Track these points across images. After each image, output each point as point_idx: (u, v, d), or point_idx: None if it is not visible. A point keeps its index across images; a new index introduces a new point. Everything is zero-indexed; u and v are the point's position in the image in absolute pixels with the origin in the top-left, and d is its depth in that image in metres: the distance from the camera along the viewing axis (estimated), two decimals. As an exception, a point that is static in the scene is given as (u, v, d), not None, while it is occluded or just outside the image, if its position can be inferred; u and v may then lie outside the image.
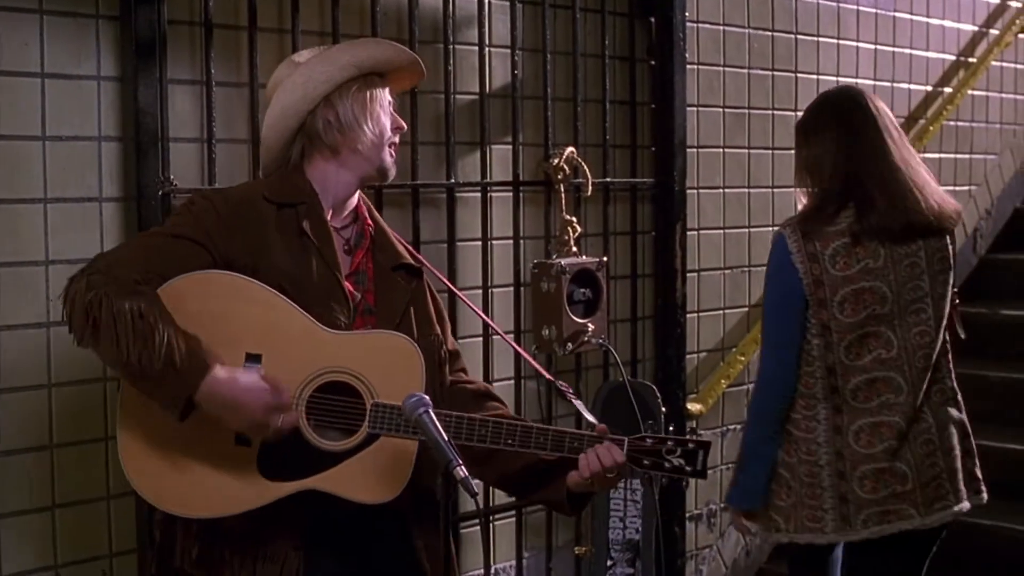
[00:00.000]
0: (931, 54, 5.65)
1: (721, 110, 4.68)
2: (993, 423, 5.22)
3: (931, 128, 5.48)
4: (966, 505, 3.28)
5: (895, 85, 5.44)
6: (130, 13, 3.10)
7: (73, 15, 3.08)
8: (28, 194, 3.03)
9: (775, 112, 4.88)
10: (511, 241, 3.98)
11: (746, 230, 4.80)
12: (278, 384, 2.48)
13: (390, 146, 2.77)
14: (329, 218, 2.72)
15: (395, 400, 2.47)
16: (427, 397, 2.33)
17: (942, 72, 5.72)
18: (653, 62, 4.36)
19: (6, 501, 3.01)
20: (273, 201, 2.66)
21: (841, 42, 5.16)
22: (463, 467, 2.24)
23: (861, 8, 5.24)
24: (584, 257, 4.00)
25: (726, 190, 4.72)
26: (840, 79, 5.13)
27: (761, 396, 3.34)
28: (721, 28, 4.65)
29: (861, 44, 5.25)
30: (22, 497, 3.04)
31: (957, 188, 5.86)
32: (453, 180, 3.80)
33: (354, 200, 2.80)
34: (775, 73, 4.88)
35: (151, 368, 2.39)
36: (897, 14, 5.44)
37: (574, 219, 3.99)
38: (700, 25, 4.55)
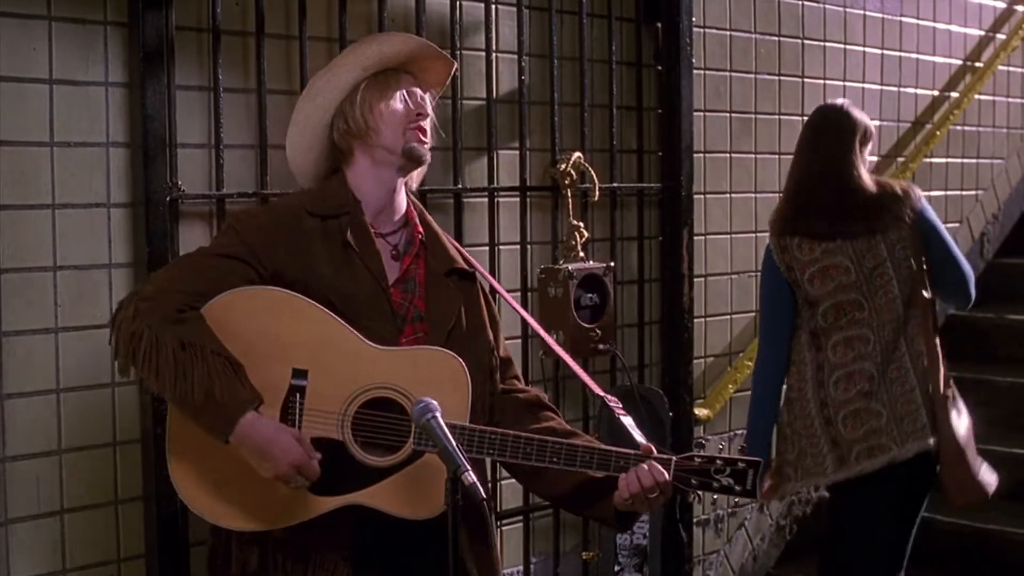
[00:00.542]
0: (938, 59, 5.65)
1: (728, 115, 4.68)
2: (1002, 428, 5.23)
3: (938, 133, 5.48)
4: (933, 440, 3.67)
5: (902, 90, 5.43)
6: (138, 19, 3.10)
7: (81, 21, 3.09)
8: (36, 200, 3.04)
9: (782, 117, 4.88)
10: (518, 246, 3.98)
11: (753, 235, 4.80)
12: (309, 448, 2.50)
13: (413, 129, 2.72)
14: (375, 224, 2.72)
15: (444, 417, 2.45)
16: (434, 402, 2.32)
17: (949, 77, 5.72)
18: (660, 67, 4.36)
19: (15, 506, 3.02)
20: (316, 214, 2.68)
21: (848, 47, 5.16)
22: (471, 472, 2.24)
23: (868, 13, 5.25)
24: (591, 262, 4.01)
25: (733, 195, 4.72)
26: (847, 84, 5.13)
27: (756, 380, 3.96)
28: (728, 33, 4.66)
29: (868, 49, 5.25)
30: (31, 502, 3.04)
31: (964, 192, 5.86)
32: (460, 185, 3.81)
33: (402, 204, 2.78)
34: (782, 78, 4.88)
35: (191, 401, 2.46)
36: (903, 19, 5.44)
37: (581, 224, 3.99)
38: (707, 30, 4.56)
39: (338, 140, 2.74)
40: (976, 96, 5.73)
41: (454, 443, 2.27)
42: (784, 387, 3.86)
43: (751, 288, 4.79)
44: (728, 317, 4.73)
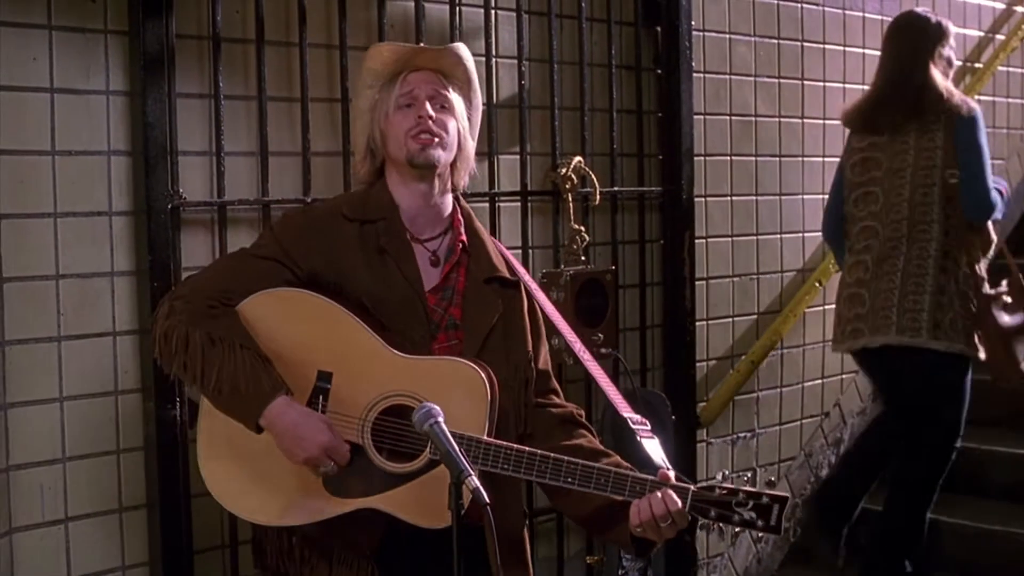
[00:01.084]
0: (937, 60, 5.64)
1: (728, 118, 4.68)
2: (1004, 428, 5.22)
3: (938, 134, 5.47)
4: (902, 339, 4.16)
5: (902, 91, 5.43)
6: (138, 28, 3.11)
7: (82, 30, 3.10)
8: (38, 208, 3.04)
9: (782, 120, 4.89)
10: (519, 250, 3.98)
11: (754, 237, 4.80)
12: (338, 432, 2.55)
13: (413, 136, 2.68)
14: (414, 230, 2.73)
15: (458, 429, 2.46)
16: (436, 407, 2.31)
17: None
18: (660, 71, 4.37)
19: (19, 515, 3.02)
20: (354, 219, 2.70)
21: (847, 49, 5.17)
22: (475, 477, 2.23)
23: (867, 15, 5.25)
24: (593, 266, 4.01)
25: (733, 198, 4.72)
26: (847, 86, 5.13)
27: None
28: (727, 36, 4.66)
29: (867, 51, 5.25)
30: (35, 510, 3.05)
31: (965, 193, 5.85)
32: (461, 191, 3.80)
33: (442, 211, 2.77)
34: (781, 81, 4.88)
35: (219, 394, 2.53)
36: (903, 20, 5.43)
37: (582, 228, 3.99)
38: (706, 34, 4.56)
39: (375, 147, 2.78)
40: (976, 96, 5.71)
41: (457, 448, 2.26)
42: None
43: (752, 291, 4.79)
44: (730, 320, 4.73)
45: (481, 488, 2.22)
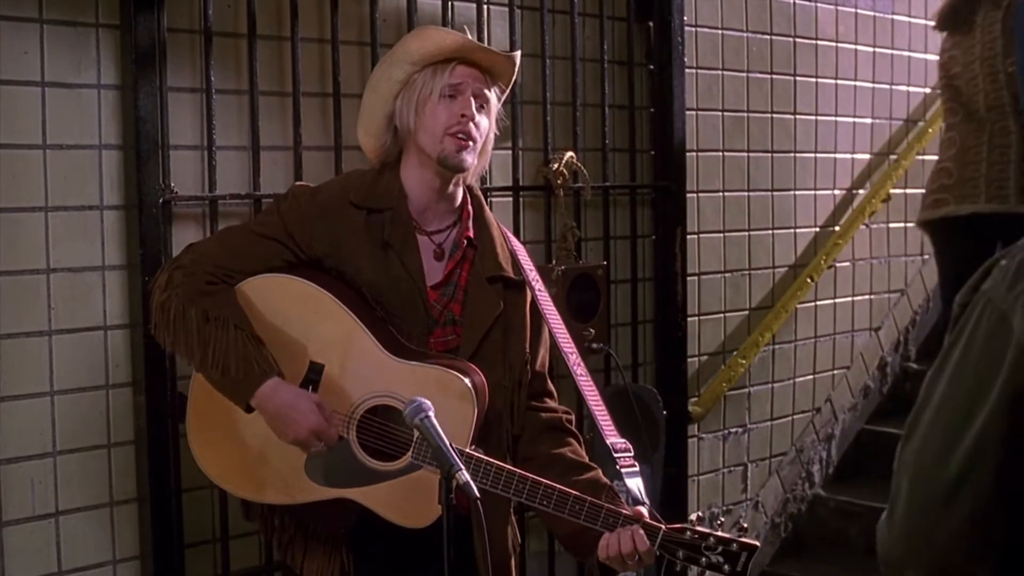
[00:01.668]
0: (930, 56, 5.63)
1: (720, 114, 4.68)
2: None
3: (930, 130, 5.47)
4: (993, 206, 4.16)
5: (894, 87, 5.44)
6: (130, 22, 3.11)
7: (73, 24, 3.09)
8: (29, 203, 3.04)
9: (774, 115, 4.89)
10: (511, 246, 3.98)
11: (746, 233, 4.80)
12: (329, 413, 2.58)
13: (453, 135, 2.66)
14: (421, 221, 2.72)
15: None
16: (427, 402, 2.32)
17: (941, 74, 5.72)
18: (652, 66, 4.37)
19: (10, 509, 3.02)
20: (362, 206, 2.70)
21: (840, 45, 5.17)
22: (465, 471, 2.24)
23: (859, 11, 5.25)
24: (584, 261, 4.01)
25: (725, 193, 4.72)
26: (839, 82, 5.14)
27: None
28: (719, 32, 4.66)
29: (859, 47, 5.26)
30: (25, 504, 3.05)
31: (957, 190, 5.86)
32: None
33: (452, 204, 2.77)
34: (774, 76, 4.88)
35: (210, 372, 2.57)
36: (895, 17, 5.44)
37: (574, 224, 3.99)
38: (698, 29, 4.56)
39: (397, 129, 2.76)
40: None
41: (447, 442, 2.27)
42: None
43: (744, 286, 4.80)
44: (722, 315, 4.74)
45: (471, 482, 2.23)
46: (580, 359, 2.85)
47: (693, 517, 2.57)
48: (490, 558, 2.61)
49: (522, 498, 2.57)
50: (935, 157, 5.60)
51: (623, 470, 2.67)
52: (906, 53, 5.51)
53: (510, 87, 2.88)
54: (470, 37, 2.76)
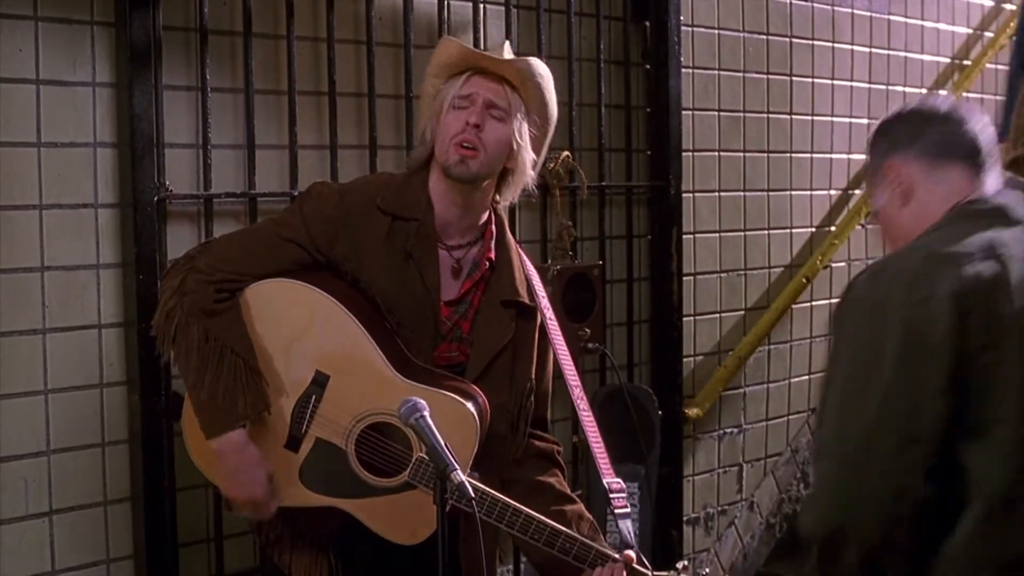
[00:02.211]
0: (926, 57, 5.66)
1: (716, 114, 4.68)
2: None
3: (926, 130, 5.47)
4: None
5: (890, 88, 5.44)
6: (125, 19, 3.10)
7: (68, 22, 3.08)
8: (23, 201, 3.03)
9: (770, 115, 4.89)
10: (507, 245, 3.97)
11: (742, 233, 4.80)
12: (275, 488, 2.61)
13: (457, 144, 2.65)
14: (443, 234, 2.72)
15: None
16: (422, 401, 2.32)
17: (937, 75, 5.73)
18: (648, 66, 4.37)
19: (3, 508, 3.01)
20: (388, 212, 2.69)
21: (836, 45, 5.16)
22: (460, 471, 2.25)
23: (855, 11, 5.25)
24: (580, 261, 4.01)
25: (722, 193, 4.72)
26: (835, 82, 5.14)
27: None
28: (716, 32, 4.66)
29: (856, 47, 5.26)
30: (19, 503, 3.04)
31: (953, 190, 5.86)
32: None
33: (475, 222, 2.76)
34: (770, 76, 4.88)
35: (197, 391, 2.58)
36: (892, 17, 5.44)
37: (570, 223, 3.99)
38: (695, 29, 4.56)
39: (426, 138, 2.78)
40: (964, 94, 5.72)
41: (443, 442, 2.27)
42: None
43: (740, 286, 4.79)
44: (717, 316, 4.73)
45: (467, 483, 2.23)
46: (584, 392, 2.87)
47: (679, 565, 2.61)
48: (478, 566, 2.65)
49: (514, 530, 2.60)
50: (931, 158, 5.63)
51: (616, 511, 2.71)
52: (902, 54, 5.51)
53: (542, 96, 2.78)
54: (497, 52, 2.76)
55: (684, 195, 4.42)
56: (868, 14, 5.31)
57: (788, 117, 4.95)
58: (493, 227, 2.79)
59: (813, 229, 5.10)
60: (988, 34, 5.96)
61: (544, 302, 2.83)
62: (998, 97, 6.06)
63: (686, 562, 2.64)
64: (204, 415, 2.58)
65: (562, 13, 4.11)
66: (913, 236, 2.21)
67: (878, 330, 2.05)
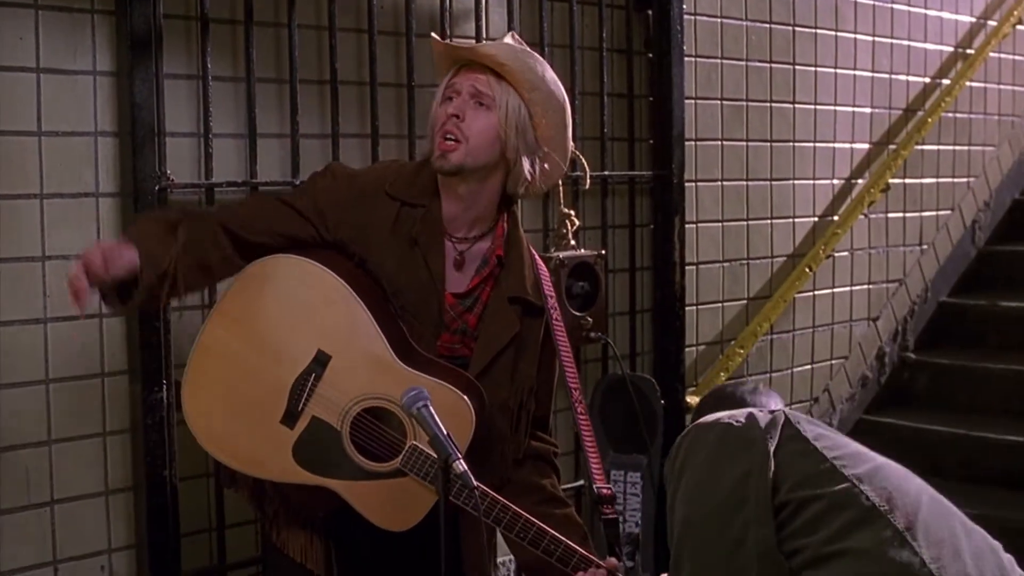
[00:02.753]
0: (929, 45, 5.64)
1: (719, 103, 4.67)
2: (994, 414, 5.23)
3: (929, 120, 5.47)
4: None
5: (893, 77, 5.43)
6: (126, 7, 3.09)
7: (68, 10, 3.07)
8: (24, 189, 3.02)
9: (773, 104, 4.87)
10: (509, 235, 3.96)
11: (744, 223, 4.79)
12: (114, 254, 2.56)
13: (442, 137, 2.67)
14: (449, 226, 2.72)
15: (432, 450, 2.48)
16: (425, 390, 2.32)
17: (940, 64, 5.71)
18: (651, 55, 4.35)
19: (4, 498, 3.01)
20: (397, 198, 2.70)
21: (839, 34, 5.15)
22: (462, 461, 2.25)
23: (858, 0, 5.23)
24: (582, 250, 4.00)
25: (724, 183, 4.71)
26: (838, 71, 5.13)
27: None
28: (719, 20, 4.64)
29: (859, 36, 5.24)
30: (20, 493, 3.03)
31: (955, 180, 5.86)
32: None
33: (482, 217, 2.76)
34: (773, 65, 4.87)
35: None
36: (895, 5, 5.43)
37: (572, 212, 3.97)
38: (698, 18, 4.54)
39: None
40: (967, 83, 5.72)
41: (444, 431, 2.27)
42: None
43: (742, 276, 4.79)
44: (719, 305, 4.73)
45: (468, 472, 2.24)
46: (582, 396, 2.88)
47: None
48: (472, 563, 2.72)
49: (501, 526, 2.61)
50: (934, 147, 5.64)
51: (604, 518, 2.76)
52: (906, 42, 5.50)
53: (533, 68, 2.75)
54: (488, 44, 2.81)
55: (687, 184, 4.41)
56: (871, 2, 5.29)
57: (791, 106, 4.94)
58: (504, 224, 2.79)
59: (816, 218, 5.09)
60: (992, 23, 5.94)
61: (551, 302, 2.83)
62: (1001, 87, 6.07)
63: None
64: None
65: (564, 1, 4.10)
66: None
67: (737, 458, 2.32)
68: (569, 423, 4.02)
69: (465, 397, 2.60)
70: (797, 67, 4.97)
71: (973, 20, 5.89)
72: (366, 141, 3.59)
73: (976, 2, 5.90)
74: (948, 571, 2.18)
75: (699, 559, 2.28)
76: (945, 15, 5.72)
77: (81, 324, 3.10)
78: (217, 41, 3.31)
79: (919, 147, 5.47)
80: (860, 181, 5.26)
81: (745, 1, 4.74)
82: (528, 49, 2.77)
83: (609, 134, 4.22)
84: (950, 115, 5.75)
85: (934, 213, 5.75)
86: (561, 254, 3.86)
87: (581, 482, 4.12)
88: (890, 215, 5.45)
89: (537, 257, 2.90)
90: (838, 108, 5.15)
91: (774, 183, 4.90)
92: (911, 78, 5.54)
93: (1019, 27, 6.07)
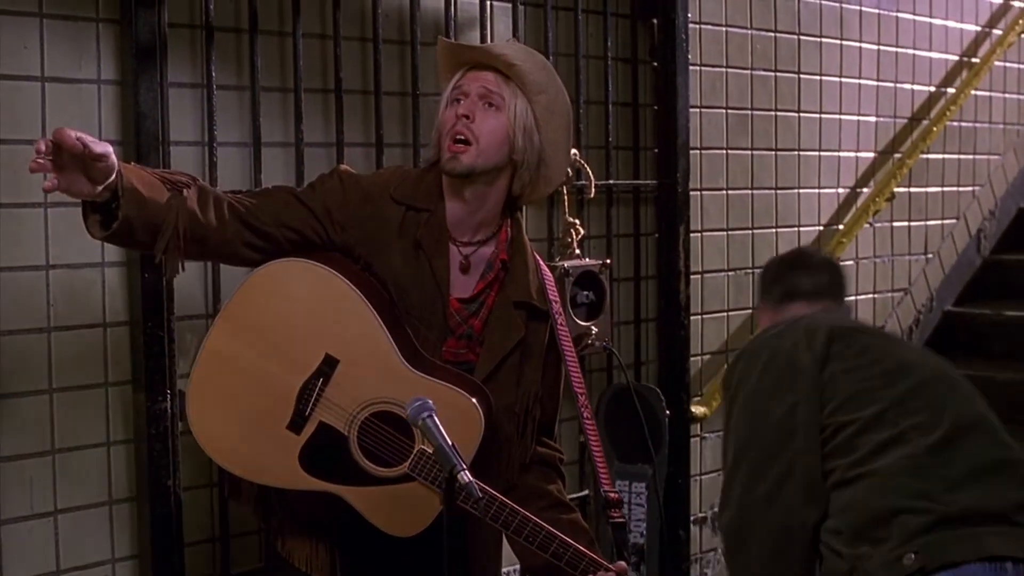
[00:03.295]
0: (934, 54, 5.64)
1: (724, 111, 4.66)
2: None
3: (934, 129, 5.47)
4: None
5: (898, 86, 5.42)
6: (130, 16, 3.08)
7: (73, 18, 3.07)
8: (28, 198, 3.01)
9: (778, 113, 4.87)
10: (514, 244, 3.96)
11: (749, 231, 4.79)
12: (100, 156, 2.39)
13: (452, 139, 2.67)
14: (455, 232, 2.72)
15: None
16: (430, 401, 2.32)
17: (945, 72, 5.71)
18: (656, 63, 4.35)
19: (7, 507, 3.00)
20: (402, 202, 2.69)
21: (844, 43, 5.15)
22: (467, 472, 2.24)
23: (864, 8, 5.23)
24: (587, 259, 3.99)
25: (729, 191, 4.71)
26: (843, 80, 5.12)
27: None
28: (724, 29, 4.64)
29: (864, 44, 5.24)
30: (24, 503, 3.03)
31: (961, 189, 5.85)
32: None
33: (486, 222, 2.76)
34: (778, 74, 4.86)
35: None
36: (900, 14, 5.42)
37: (577, 221, 3.97)
38: (702, 26, 4.54)
39: None
40: (973, 92, 5.71)
41: (450, 442, 2.27)
42: None
43: (748, 285, 4.78)
44: (725, 314, 4.72)
45: (474, 483, 2.23)
46: (588, 401, 2.88)
47: None
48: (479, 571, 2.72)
49: (509, 530, 2.61)
50: (939, 156, 5.63)
51: (612, 522, 2.78)
52: (911, 51, 5.49)
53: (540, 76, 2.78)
54: (496, 45, 2.81)
55: (691, 193, 4.40)
56: (876, 11, 5.29)
57: (796, 115, 4.93)
58: (508, 229, 2.79)
59: (821, 227, 5.08)
60: (997, 32, 5.94)
61: (556, 307, 2.83)
62: (1006, 95, 6.07)
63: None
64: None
65: (569, 10, 4.10)
66: None
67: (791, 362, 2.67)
68: (574, 433, 4.02)
69: (474, 400, 2.60)
70: (802, 76, 4.96)
71: (978, 29, 5.89)
72: (370, 150, 3.59)
73: (981, 11, 5.90)
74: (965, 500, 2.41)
75: (751, 483, 2.58)
76: (950, 24, 5.71)
77: (84, 333, 3.09)
78: (221, 50, 3.31)
79: (924, 156, 5.47)
80: (865, 190, 5.25)
81: (750, 10, 4.73)
82: (536, 51, 2.79)
83: (614, 143, 4.22)
84: (955, 124, 5.75)
85: (939, 222, 5.74)
86: (566, 263, 3.86)
87: (587, 492, 4.12)
88: (895, 224, 5.44)
89: (541, 262, 2.90)
90: (843, 117, 5.15)
91: (779, 192, 4.89)
92: (916, 87, 5.54)
93: (1024, 36, 6.07)
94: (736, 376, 2.71)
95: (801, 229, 4.99)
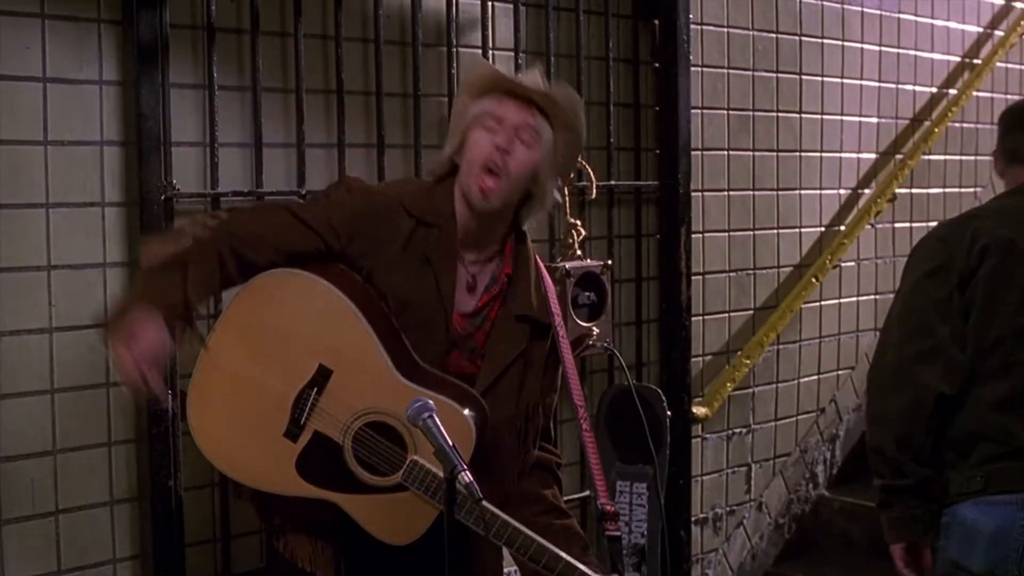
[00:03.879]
0: (936, 56, 5.64)
1: (725, 112, 4.66)
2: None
3: (936, 130, 5.46)
4: None
5: (900, 87, 5.42)
6: (132, 17, 3.09)
7: (75, 19, 3.07)
8: (30, 199, 3.02)
9: (779, 114, 4.87)
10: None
11: (751, 232, 4.78)
12: (150, 367, 2.51)
13: (485, 170, 2.65)
14: (463, 247, 2.71)
15: (433, 465, 2.53)
16: (431, 402, 2.32)
17: (947, 74, 5.71)
18: (657, 64, 4.35)
19: (8, 507, 3.00)
20: (414, 215, 2.69)
21: (846, 44, 5.15)
22: (468, 472, 2.25)
23: (865, 9, 5.23)
24: (588, 260, 3.99)
25: (731, 192, 4.70)
26: (844, 81, 5.12)
27: None
28: (725, 30, 4.64)
29: (866, 46, 5.24)
30: (25, 503, 3.03)
31: (962, 190, 5.84)
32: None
33: (492, 241, 2.76)
34: (779, 75, 4.86)
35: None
36: (901, 15, 5.42)
37: (578, 222, 3.97)
38: (704, 27, 4.54)
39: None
40: (974, 93, 5.70)
41: (450, 443, 2.27)
42: None
43: (749, 286, 4.78)
44: (726, 315, 4.72)
45: (474, 483, 2.23)
46: (587, 412, 2.87)
47: None
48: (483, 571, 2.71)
49: (501, 541, 2.60)
50: (941, 157, 5.63)
51: (608, 534, 2.77)
52: (912, 52, 5.49)
53: (572, 132, 2.78)
54: (528, 76, 2.75)
55: (693, 194, 4.40)
56: (878, 12, 5.29)
57: (798, 116, 4.93)
58: (512, 241, 2.79)
59: (823, 228, 5.08)
60: (998, 33, 5.93)
61: (557, 319, 2.83)
62: (1008, 96, 6.06)
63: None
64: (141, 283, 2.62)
65: (571, 11, 4.10)
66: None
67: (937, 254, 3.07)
68: (574, 435, 4.02)
69: (464, 412, 2.60)
70: (804, 77, 4.96)
71: (980, 30, 5.88)
72: (372, 151, 3.59)
73: (983, 12, 5.90)
74: None
75: (903, 343, 2.97)
76: (952, 25, 5.71)
77: (86, 334, 3.09)
78: (223, 50, 3.31)
79: (926, 157, 5.46)
80: (867, 191, 5.25)
81: (752, 11, 4.73)
82: (574, 93, 2.80)
83: (615, 144, 4.22)
84: (957, 125, 5.74)
85: (941, 223, 5.73)
86: (567, 264, 3.86)
87: (587, 492, 4.12)
88: (897, 225, 5.44)
89: (544, 271, 2.89)
90: (845, 118, 5.15)
91: (780, 193, 4.89)
92: (918, 88, 5.54)
93: (1026, 37, 6.06)
94: (917, 253, 3.11)
95: (802, 230, 4.99)
